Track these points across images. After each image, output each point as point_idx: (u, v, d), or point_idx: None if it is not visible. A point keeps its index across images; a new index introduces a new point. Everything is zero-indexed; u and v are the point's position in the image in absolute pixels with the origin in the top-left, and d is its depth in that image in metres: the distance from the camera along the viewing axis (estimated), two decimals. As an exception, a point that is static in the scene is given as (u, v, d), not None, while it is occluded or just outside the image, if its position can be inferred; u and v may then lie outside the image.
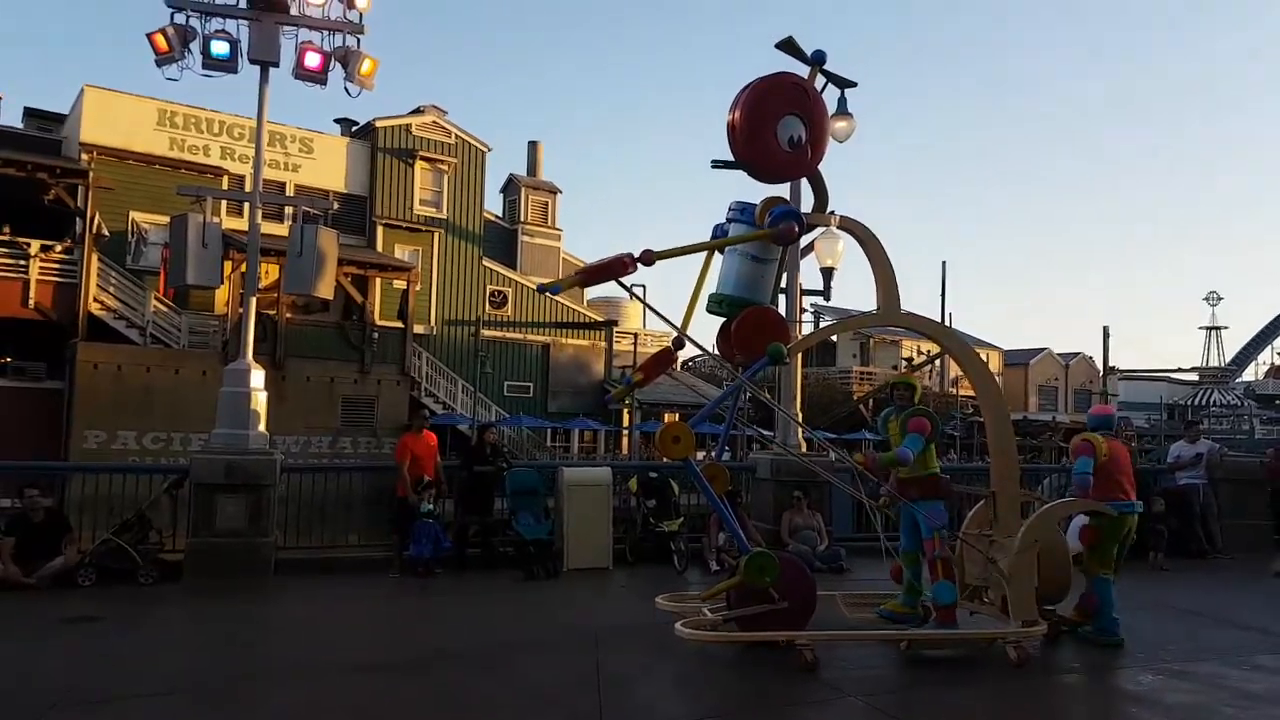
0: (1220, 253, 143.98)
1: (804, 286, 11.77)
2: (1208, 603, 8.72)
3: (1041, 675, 6.23)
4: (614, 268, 6.04)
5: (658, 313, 6.76)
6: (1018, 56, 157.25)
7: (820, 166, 6.63)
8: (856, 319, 6.59)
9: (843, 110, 11.08)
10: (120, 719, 5.17)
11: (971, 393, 50.20)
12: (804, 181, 7.30)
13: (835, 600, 7.23)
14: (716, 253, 6.75)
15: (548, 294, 6.79)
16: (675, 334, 6.54)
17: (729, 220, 6.72)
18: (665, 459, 6.55)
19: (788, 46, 6.45)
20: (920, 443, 6.60)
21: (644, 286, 53.48)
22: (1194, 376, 60.46)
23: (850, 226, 6.89)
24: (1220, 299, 68.61)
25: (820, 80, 6.81)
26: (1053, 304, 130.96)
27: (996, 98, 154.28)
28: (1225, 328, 76.83)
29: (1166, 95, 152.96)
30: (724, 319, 6.75)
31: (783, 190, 6.80)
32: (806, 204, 7.20)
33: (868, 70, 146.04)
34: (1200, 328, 69.04)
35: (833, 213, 6.75)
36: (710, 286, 6.79)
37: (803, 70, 6.72)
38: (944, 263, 54.54)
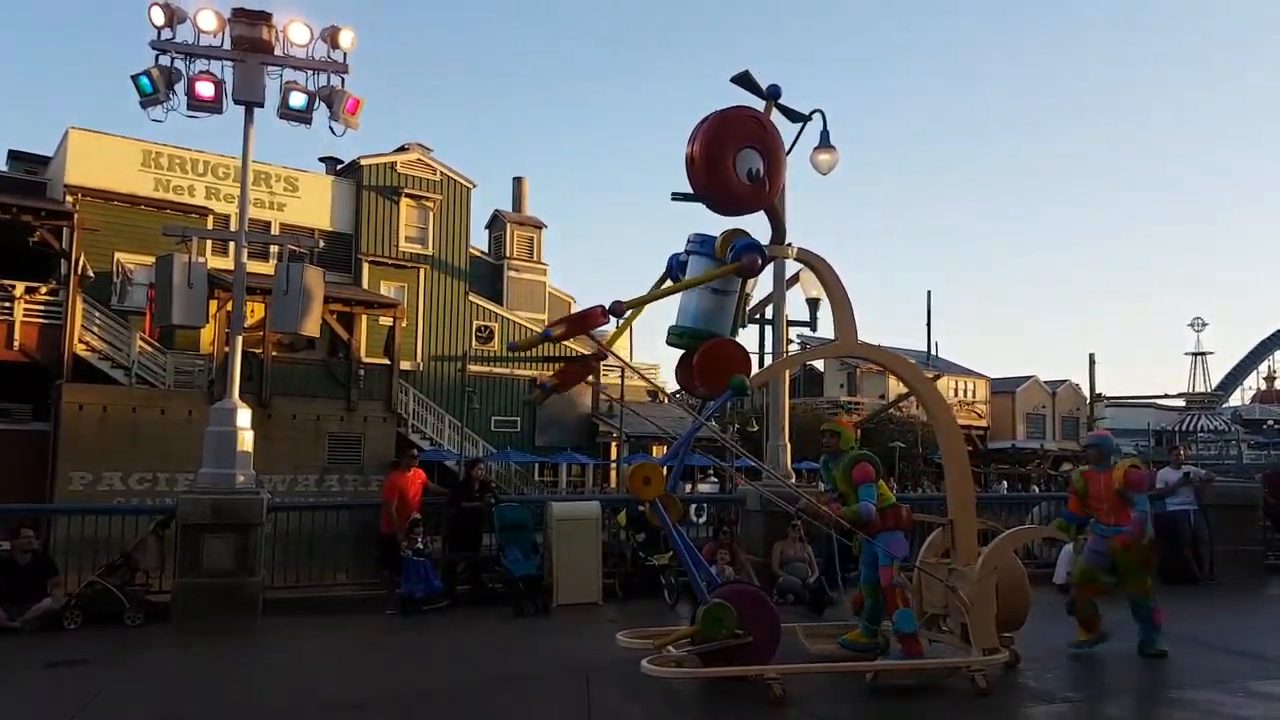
0: (1205, 278, 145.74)
1: (790, 318, 11.90)
2: (1200, 629, 8.72)
3: (1039, 704, 6.23)
4: (588, 320, 6.20)
5: (627, 363, 6.86)
6: (1001, 83, 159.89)
7: (776, 200, 6.68)
8: (814, 350, 6.66)
9: (825, 143, 11.24)
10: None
11: (959, 421, 50.65)
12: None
13: (795, 632, 7.20)
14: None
15: (515, 352, 6.79)
16: (611, 310, 6.37)
17: (687, 252, 6.74)
18: (638, 501, 6.44)
19: (743, 81, 6.49)
20: (873, 491, 6.70)
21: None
22: (1181, 402, 60.88)
23: (807, 258, 6.97)
24: (1205, 324, 69.27)
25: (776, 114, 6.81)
26: (1039, 332, 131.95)
27: (980, 125, 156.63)
28: (1211, 353, 77.41)
29: (1151, 122, 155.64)
30: (684, 351, 6.71)
31: (742, 223, 6.80)
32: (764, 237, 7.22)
33: (853, 96, 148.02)
34: (1186, 353, 69.67)
35: (790, 245, 6.82)
36: (669, 305, 6.80)
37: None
38: (929, 292, 55.18)
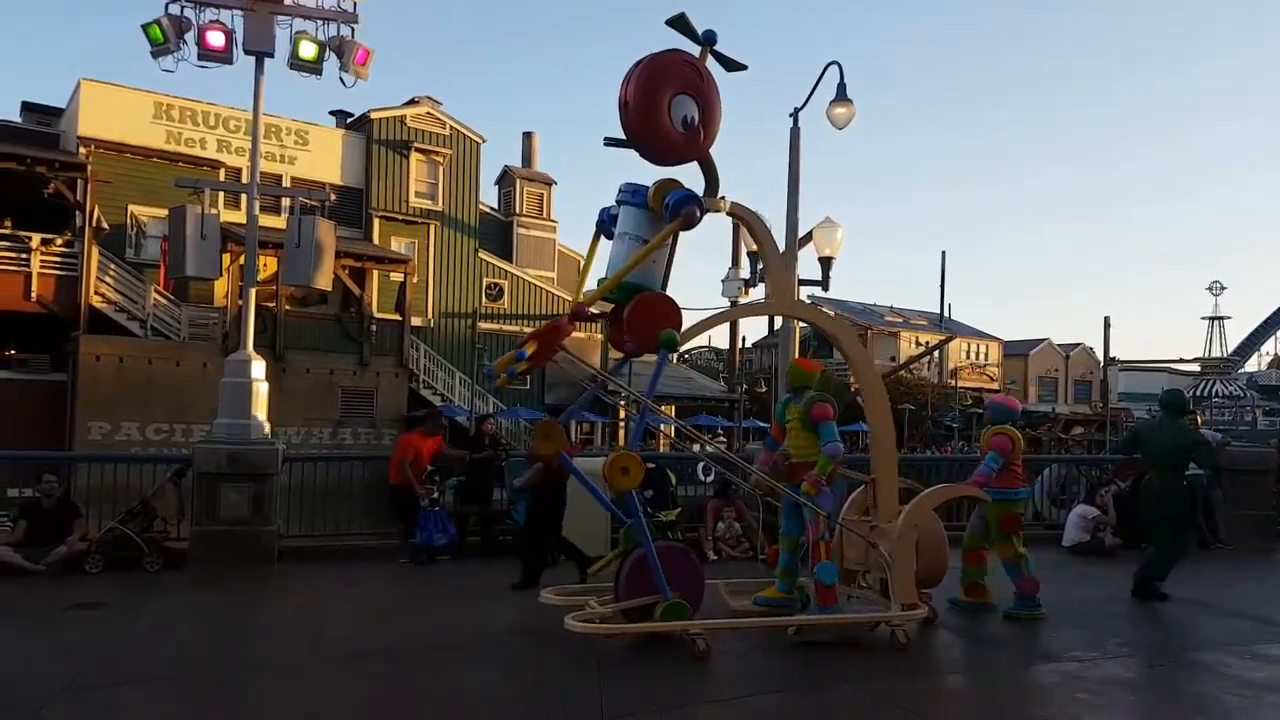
0: (1225, 242, 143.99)
1: (802, 276, 11.85)
2: (1210, 593, 8.78)
3: (1048, 662, 6.32)
4: (559, 333, 6.22)
5: (580, 359, 6.92)
6: (1016, 43, 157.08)
7: (711, 150, 6.46)
8: (745, 308, 6.55)
9: (842, 97, 11.12)
10: (120, 704, 5.26)
11: (970, 384, 49.98)
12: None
13: (717, 589, 7.27)
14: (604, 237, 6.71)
15: (490, 376, 6.64)
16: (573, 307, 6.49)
17: (618, 203, 6.59)
18: (613, 490, 6.36)
19: (679, 24, 6.20)
20: (834, 429, 6.65)
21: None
22: (1196, 367, 60.51)
23: (739, 212, 6.82)
24: (1224, 289, 68.46)
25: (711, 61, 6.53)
26: (1054, 294, 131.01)
27: (997, 85, 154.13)
28: (1228, 318, 76.59)
29: (1170, 83, 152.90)
30: (615, 305, 6.58)
31: (674, 172, 6.46)
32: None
33: (866, 58, 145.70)
34: (1203, 318, 68.92)
35: (723, 198, 6.65)
36: (599, 264, 6.69)
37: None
38: (943, 253, 54.74)
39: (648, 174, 6.40)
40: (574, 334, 6.92)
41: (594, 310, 6.69)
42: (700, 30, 6.22)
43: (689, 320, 6.62)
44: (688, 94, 6.11)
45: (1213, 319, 72.68)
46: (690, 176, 6.45)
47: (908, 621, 6.47)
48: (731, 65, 6.52)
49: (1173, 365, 58.94)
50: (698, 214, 6.24)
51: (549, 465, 8.30)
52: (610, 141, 6.24)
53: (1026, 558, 7.46)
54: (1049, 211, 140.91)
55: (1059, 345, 59.82)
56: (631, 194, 6.50)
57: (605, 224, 6.70)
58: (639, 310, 6.29)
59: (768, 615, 6.91)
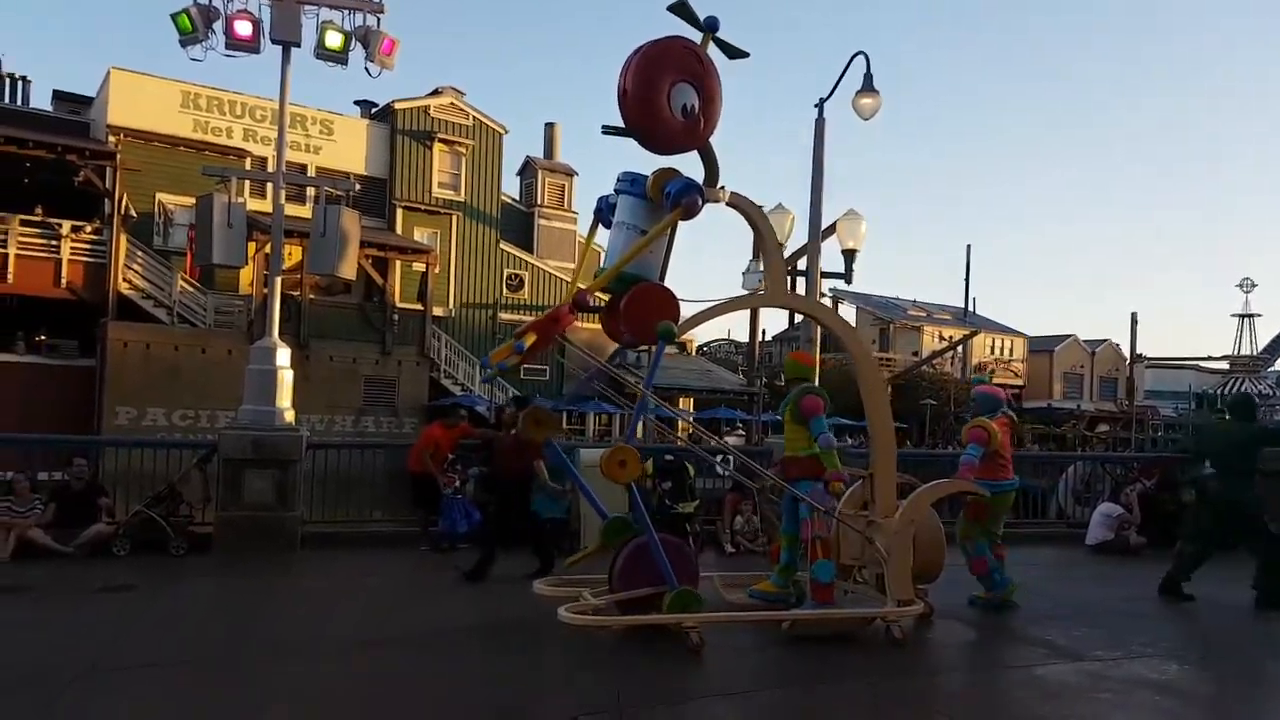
0: (1256, 239, 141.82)
1: (824, 269, 11.80)
2: (1236, 594, 8.67)
3: (1068, 661, 6.27)
4: (559, 322, 6.19)
5: (581, 350, 6.97)
6: (1046, 36, 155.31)
7: (711, 139, 6.34)
8: (741, 299, 6.39)
9: (868, 87, 11.05)
10: (144, 684, 5.34)
11: (995, 379, 49.85)
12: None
13: (712, 582, 7.26)
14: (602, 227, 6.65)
15: (491, 370, 6.56)
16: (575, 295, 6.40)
17: (617, 191, 6.51)
18: (614, 481, 6.20)
19: (680, 10, 6.07)
20: (824, 423, 6.60)
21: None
22: (1224, 365, 59.63)
23: (739, 203, 6.70)
24: (1254, 285, 67.13)
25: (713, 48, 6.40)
26: (1081, 290, 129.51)
27: (1025, 79, 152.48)
28: (1259, 315, 75.14)
29: (1203, 78, 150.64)
30: (612, 296, 6.50)
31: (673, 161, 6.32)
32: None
33: (893, 49, 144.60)
34: (1233, 315, 67.79)
35: (723, 187, 6.55)
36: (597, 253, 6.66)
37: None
38: (968, 246, 54.10)
39: (657, 164, 6.32)
40: (593, 325, 6.91)
41: (594, 301, 6.63)
42: (702, 17, 6.12)
43: (688, 312, 6.54)
44: (688, 81, 6.00)
45: (1243, 316, 71.62)
46: (691, 166, 6.38)
47: (903, 618, 6.43)
48: (734, 53, 6.40)
49: (1200, 363, 58.06)
50: (699, 204, 6.14)
51: (509, 453, 8.26)
52: (609, 130, 6.15)
53: (980, 544, 7.55)
54: (1077, 206, 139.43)
55: (1085, 341, 59.14)
56: (630, 183, 6.41)
57: (604, 212, 6.63)
58: (636, 301, 6.19)
59: (762, 610, 6.86)
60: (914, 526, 6.66)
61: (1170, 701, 5.48)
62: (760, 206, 6.81)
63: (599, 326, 7.10)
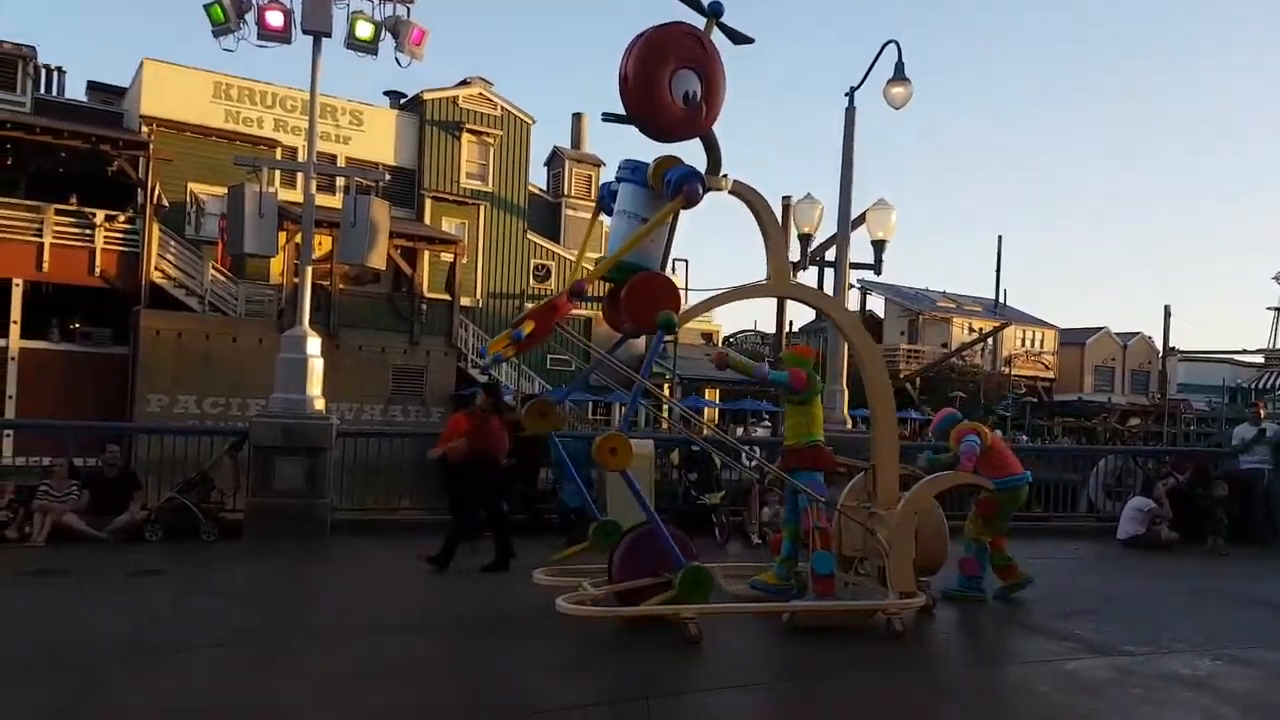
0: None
1: (853, 260, 11.72)
2: (1270, 590, 8.55)
3: (1099, 656, 6.19)
4: (557, 310, 6.19)
5: (572, 334, 6.73)
6: (1079, 23, 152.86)
7: (714, 127, 6.26)
8: (742, 289, 6.16)
9: (900, 76, 10.93)
10: (175, 667, 5.43)
11: (1025, 372, 48.90)
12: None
13: (713, 573, 7.11)
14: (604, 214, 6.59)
15: (487, 359, 6.51)
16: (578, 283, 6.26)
17: (618, 179, 6.44)
18: (607, 469, 6.16)
19: None
20: (784, 377, 6.62)
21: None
22: (1259, 359, 58.59)
23: (741, 191, 6.60)
24: (1290, 277, 65.81)
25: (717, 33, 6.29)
26: (1114, 282, 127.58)
27: (1057, 66, 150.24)
28: (1295, 308, 73.68)
29: (1236, 61, 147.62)
30: (613, 285, 6.45)
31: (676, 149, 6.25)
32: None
33: (924, 36, 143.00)
34: (1268, 308, 66.55)
35: (725, 176, 6.45)
36: (599, 239, 6.61)
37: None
38: (999, 237, 53.45)
39: (657, 151, 6.24)
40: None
41: (592, 290, 6.52)
42: (706, 1, 6.04)
43: (696, 300, 6.53)
44: (690, 68, 5.92)
45: (1279, 309, 70.31)
46: (696, 154, 6.32)
47: (904, 610, 6.35)
48: (739, 38, 6.29)
49: (1235, 356, 57.06)
50: (700, 192, 6.07)
51: (475, 438, 8.31)
52: (608, 117, 6.07)
53: (984, 546, 7.58)
54: (1110, 198, 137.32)
55: (1117, 334, 58.36)
56: (631, 171, 6.34)
57: (605, 200, 6.58)
58: (636, 291, 6.13)
59: (764, 601, 6.83)
60: (916, 519, 6.59)
61: (1204, 698, 5.39)
62: (761, 194, 6.65)
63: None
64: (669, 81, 5.85)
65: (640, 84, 5.83)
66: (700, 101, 5.98)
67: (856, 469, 7.30)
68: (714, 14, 6.12)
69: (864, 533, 6.68)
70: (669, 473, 11.54)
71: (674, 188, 6.02)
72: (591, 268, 6.67)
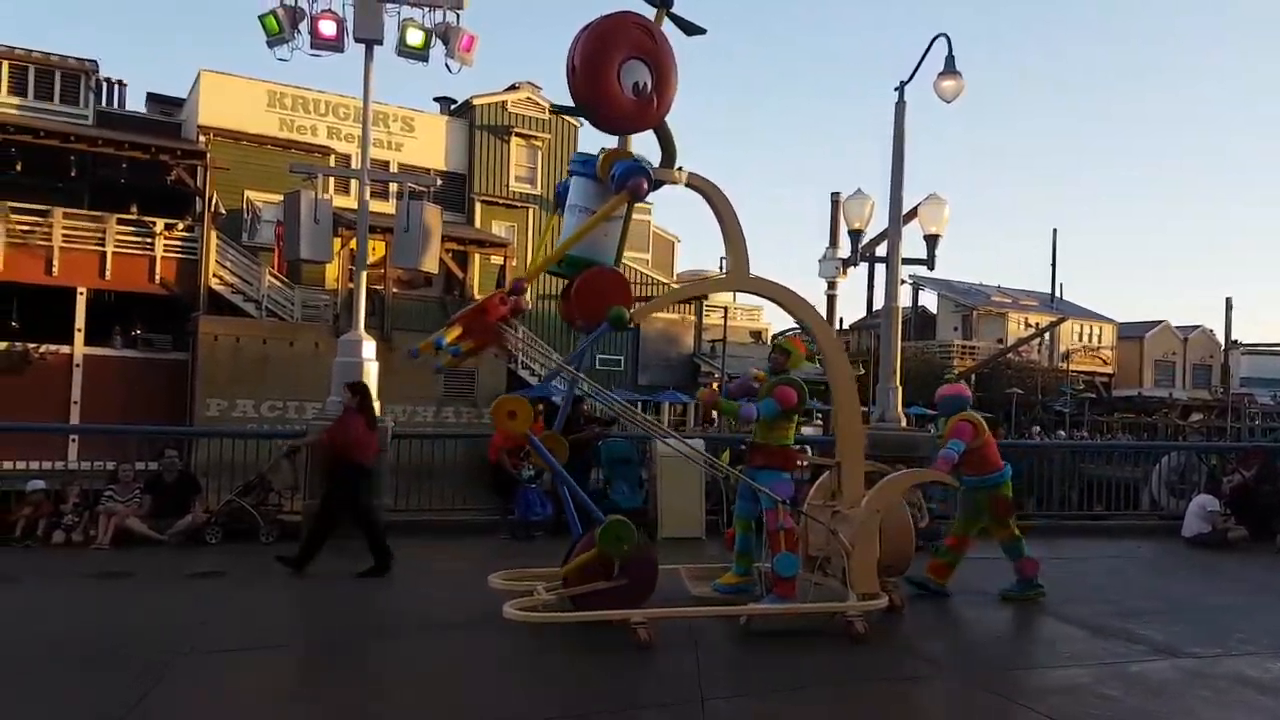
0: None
1: (905, 255, 11.54)
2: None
3: (1165, 658, 6.05)
4: (488, 312, 5.91)
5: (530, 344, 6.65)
6: (1136, 15, 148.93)
7: (667, 118, 6.16)
8: (702, 283, 5.91)
9: (950, 69, 10.75)
10: (236, 666, 5.55)
11: (1082, 367, 47.79)
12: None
13: (679, 573, 7.04)
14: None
15: (415, 356, 6.00)
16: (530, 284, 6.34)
17: (570, 173, 6.34)
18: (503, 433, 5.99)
19: None
20: (773, 408, 6.34)
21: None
22: (1325, 351, 56.59)
23: (699, 184, 6.47)
24: (1359, 267, 63.67)
25: (668, 24, 6.24)
26: (1174, 274, 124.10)
27: (1115, 56, 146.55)
28: (1363, 298, 71.14)
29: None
30: (566, 280, 6.36)
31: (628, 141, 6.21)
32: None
33: (982, 27, 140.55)
34: (1335, 299, 64.24)
35: (680, 169, 6.34)
36: (558, 239, 6.42)
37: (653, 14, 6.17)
38: (1054, 230, 52.36)
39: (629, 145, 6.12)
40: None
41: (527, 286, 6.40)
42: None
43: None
44: (639, 59, 5.82)
45: (1350, 300, 67.80)
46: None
47: (865, 612, 6.16)
48: (690, 29, 6.17)
49: (1301, 349, 55.17)
50: (645, 187, 5.96)
51: (331, 434, 8.15)
52: (558, 109, 6.14)
53: (1021, 539, 7.45)
54: (1169, 189, 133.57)
55: (1177, 328, 56.76)
56: (582, 164, 6.27)
57: (561, 195, 6.50)
58: (587, 285, 6.07)
59: (727, 603, 6.67)
60: (879, 517, 6.41)
61: (1273, 701, 5.23)
62: (717, 185, 6.51)
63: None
64: (617, 72, 5.77)
65: (587, 74, 5.75)
66: (650, 93, 5.88)
67: (823, 467, 7.18)
68: (664, 4, 6.04)
69: (828, 532, 6.48)
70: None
71: (618, 182, 5.94)
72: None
